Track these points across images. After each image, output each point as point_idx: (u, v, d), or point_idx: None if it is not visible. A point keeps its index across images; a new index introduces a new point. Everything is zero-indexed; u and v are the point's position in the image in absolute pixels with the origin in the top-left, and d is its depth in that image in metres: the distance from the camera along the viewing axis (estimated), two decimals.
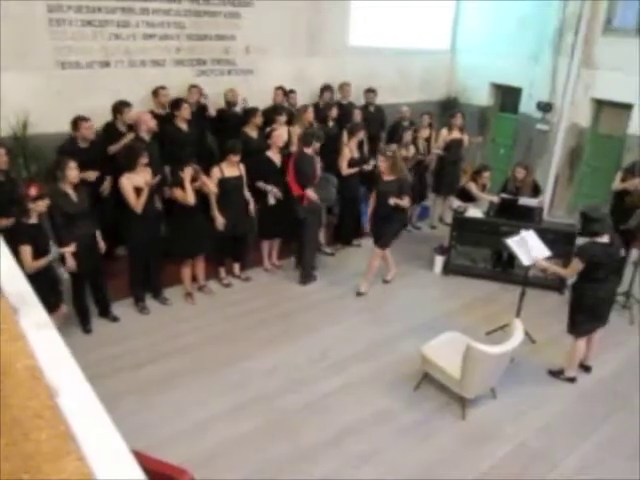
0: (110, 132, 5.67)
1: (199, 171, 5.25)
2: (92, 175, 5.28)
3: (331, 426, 4.10)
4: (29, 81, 5.52)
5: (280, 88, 7.10)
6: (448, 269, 6.61)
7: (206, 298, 5.82)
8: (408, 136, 7.12)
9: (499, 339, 4.56)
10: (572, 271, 4.45)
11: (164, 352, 4.85)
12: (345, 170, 6.50)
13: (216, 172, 5.50)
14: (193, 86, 6.40)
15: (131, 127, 5.64)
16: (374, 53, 8.35)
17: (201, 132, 6.35)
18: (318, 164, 6.03)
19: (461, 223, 6.41)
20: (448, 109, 9.15)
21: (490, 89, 9.34)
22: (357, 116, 7.31)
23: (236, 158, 5.53)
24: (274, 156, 5.95)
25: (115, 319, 5.30)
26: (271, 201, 5.97)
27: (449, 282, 6.50)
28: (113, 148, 5.54)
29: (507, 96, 9.26)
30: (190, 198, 5.13)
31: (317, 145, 5.93)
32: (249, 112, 6.34)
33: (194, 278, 5.79)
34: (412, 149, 7.19)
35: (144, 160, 5.00)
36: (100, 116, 5.64)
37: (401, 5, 8.36)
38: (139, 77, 6.21)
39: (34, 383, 0.96)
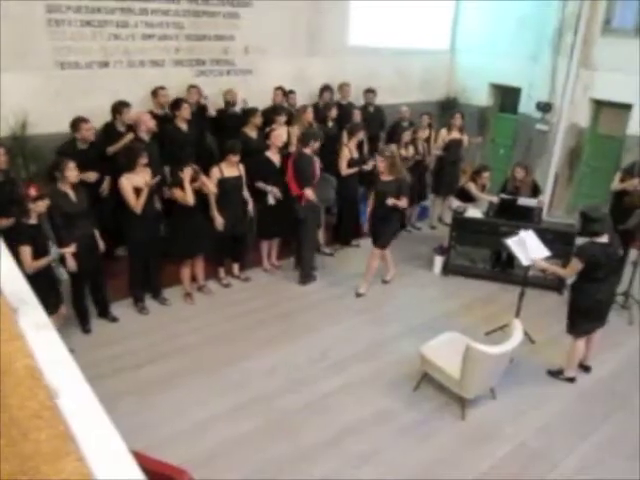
0: (109, 132, 5.67)
1: (198, 171, 5.25)
2: (92, 176, 5.28)
3: (331, 426, 4.10)
4: (28, 81, 5.52)
5: (279, 88, 7.10)
6: (447, 269, 6.61)
7: (205, 298, 5.82)
8: (407, 136, 7.13)
9: (498, 339, 4.56)
10: (571, 271, 4.45)
11: (163, 352, 4.85)
12: (344, 170, 6.50)
13: (215, 172, 5.50)
14: (192, 86, 6.40)
15: (130, 127, 5.64)
16: (373, 53, 8.35)
17: (200, 132, 6.35)
18: (317, 164, 6.02)
19: (460, 223, 6.41)
20: (447, 109, 9.16)
21: (489, 89, 9.35)
22: (356, 116, 7.31)
23: (235, 158, 5.53)
24: (273, 156, 5.95)
25: (114, 319, 5.30)
26: (270, 201, 5.97)
27: (448, 282, 6.50)
28: (112, 149, 5.54)
29: (506, 96, 9.27)
30: (189, 198, 5.13)
31: (316, 145, 5.93)
32: (248, 112, 6.34)
33: (193, 278, 5.79)
34: (411, 149, 7.19)
35: (143, 160, 5.00)
36: (99, 116, 5.64)
37: (400, 5, 8.36)
38: (138, 77, 6.21)
39: (33, 383, 0.96)
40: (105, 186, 5.52)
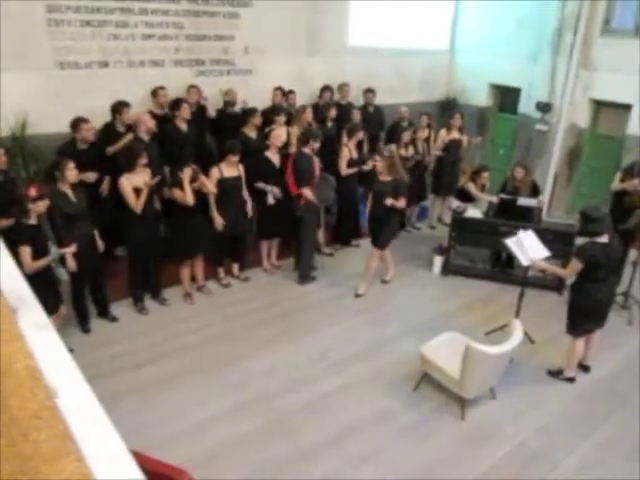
0: (109, 132, 5.67)
1: (198, 171, 5.25)
2: (91, 177, 5.28)
3: (331, 426, 4.10)
4: (28, 81, 5.52)
5: (279, 88, 7.10)
6: (447, 269, 6.61)
7: (205, 298, 5.82)
8: (407, 136, 7.13)
9: (498, 339, 4.56)
10: (571, 271, 4.45)
11: (163, 352, 4.85)
12: (344, 170, 6.50)
13: (215, 172, 5.49)
14: (192, 86, 6.40)
15: (130, 127, 5.64)
16: (373, 53, 8.36)
17: (200, 132, 6.35)
18: (317, 164, 6.03)
19: (460, 223, 6.41)
20: (447, 109, 9.16)
21: (489, 89, 9.35)
22: (356, 116, 7.32)
23: (235, 158, 5.53)
24: (273, 156, 5.95)
25: (114, 319, 5.30)
26: (270, 201, 5.97)
27: (448, 282, 6.50)
28: (112, 149, 5.54)
29: (506, 96, 9.27)
30: (189, 198, 5.13)
31: (316, 145, 5.93)
32: (248, 112, 6.35)
33: (193, 278, 5.79)
34: (411, 149, 7.19)
35: (143, 160, 5.00)
36: (99, 116, 5.65)
37: (400, 5, 8.36)
38: (138, 77, 6.21)
39: (33, 383, 0.96)
40: (105, 186, 5.53)
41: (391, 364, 4.86)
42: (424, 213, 8.18)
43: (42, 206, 4.24)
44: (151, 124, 5.57)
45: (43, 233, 4.37)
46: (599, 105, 8.01)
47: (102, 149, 5.53)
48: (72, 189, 4.66)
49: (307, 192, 5.82)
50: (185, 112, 5.89)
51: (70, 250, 4.50)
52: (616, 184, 6.16)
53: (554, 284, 6.25)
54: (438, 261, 6.64)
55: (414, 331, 5.30)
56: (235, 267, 6.23)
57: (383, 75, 8.50)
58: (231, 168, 5.58)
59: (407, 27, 8.64)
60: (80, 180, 4.83)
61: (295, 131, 6.43)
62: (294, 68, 7.57)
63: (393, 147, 6.42)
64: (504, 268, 6.61)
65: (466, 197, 6.75)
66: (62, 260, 4.55)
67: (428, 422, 4.21)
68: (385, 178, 5.66)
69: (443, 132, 7.58)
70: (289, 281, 6.26)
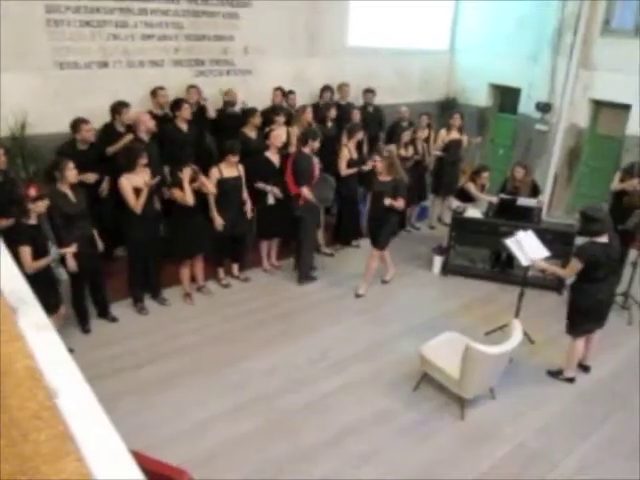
0: (108, 133, 5.67)
1: (198, 172, 5.25)
2: (91, 177, 5.28)
3: (331, 426, 4.10)
4: (27, 81, 5.52)
5: (279, 89, 7.10)
6: (447, 269, 6.61)
7: (205, 299, 5.81)
8: (407, 136, 7.13)
9: (498, 339, 4.56)
10: (571, 271, 4.45)
11: (163, 352, 4.85)
12: (344, 170, 6.50)
13: (215, 173, 5.49)
14: (192, 86, 6.40)
15: (130, 128, 5.64)
16: (373, 53, 8.36)
17: (200, 133, 6.35)
18: (317, 164, 6.02)
19: (460, 223, 6.41)
20: (447, 109, 9.16)
21: (489, 89, 9.35)
22: (356, 116, 7.32)
23: (235, 158, 5.53)
24: (273, 156, 5.95)
25: (114, 319, 5.30)
26: (270, 201, 5.97)
27: (448, 282, 6.50)
28: (112, 149, 5.54)
29: (506, 96, 9.27)
30: (189, 199, 5.13)
31: (316, 145, 5.92)
32: (248, 113, 6.35)
33: (193, 279, 5.79)
34: (411, 150, 7.19)
35: (143, 161, 5.00)
36: (98, 117, 5.64)
37: (400, 5, 8.36)
38: (137, 77, 6.21)
39: (33, 384, 0.96)
40: (105, 186, 5.53)
41: (391, 364, 4.86)
42: (424, 213, 8.18)
43: (42, 206, 4.24)
44: (151, 124, 5.58)
45: (43, 233, 4.36)
46: (599, 105, 8.02)
47: (102, 149, 5.53)
48: (72, 189, 4.66)
49: (306, 191, 5.82)
50: (186, 112, 5.89)
51: (70, 250, 4.50)
52: (616, 184, 6.17)
53: (554, 284, 6.25)
54: (438, 261, 6.64)
55: (414, 331, 5.30)
56: (235, 267, 6.23)
57: (383, 75, 8.50)
58: (231, 168, 5.57)
59: (407, 27, 8.64)
60: (80, 180, 4.83)
61: (295, 131, 6.43)
62: (294, 68, 7.57)
63: (392, 147, 6.42)
64: (504, 268, 6.61)
65: (466, 197, 6.76)
66: (62, 260, 4.55)
67: (428, 422, 4.21)
68: (385, 178, 5.65)
69: (443, 132, 7.58)
70: (289, 281, 6.26)
